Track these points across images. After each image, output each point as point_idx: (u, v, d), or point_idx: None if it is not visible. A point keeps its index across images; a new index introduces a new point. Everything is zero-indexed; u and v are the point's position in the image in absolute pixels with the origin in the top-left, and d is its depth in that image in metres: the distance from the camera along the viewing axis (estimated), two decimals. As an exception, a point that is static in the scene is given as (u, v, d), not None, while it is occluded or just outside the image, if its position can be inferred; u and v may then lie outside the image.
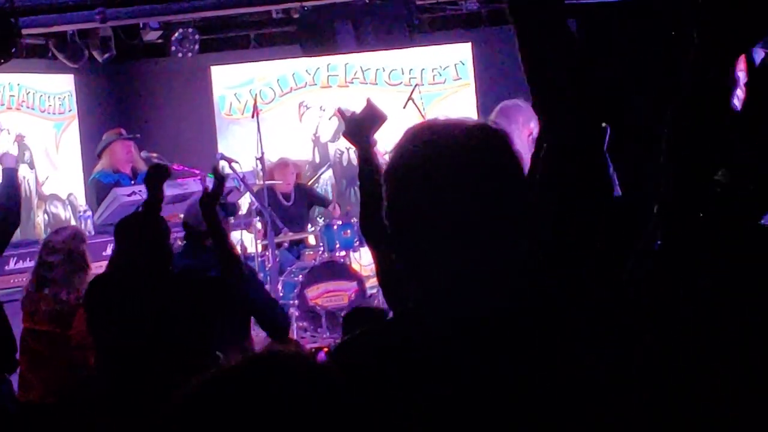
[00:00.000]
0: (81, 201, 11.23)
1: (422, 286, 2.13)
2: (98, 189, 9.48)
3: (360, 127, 4.03)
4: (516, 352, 2.03)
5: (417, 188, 2.11)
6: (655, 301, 2.07)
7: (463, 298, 2.09)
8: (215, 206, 5.46)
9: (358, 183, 3.72)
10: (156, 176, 5.48)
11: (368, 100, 4.09)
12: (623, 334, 2.03)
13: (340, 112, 4.35)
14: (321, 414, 1.65)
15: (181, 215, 6.40)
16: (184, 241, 6.28)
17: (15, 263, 8.12)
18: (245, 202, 10.24)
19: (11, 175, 6.48)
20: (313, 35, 10.98)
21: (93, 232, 9.07)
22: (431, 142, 2.14)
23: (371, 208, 3.28)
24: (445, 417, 2.02)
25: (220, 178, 5.60)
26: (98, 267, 7.47)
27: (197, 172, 9.12)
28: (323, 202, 10.99)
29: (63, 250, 6.21)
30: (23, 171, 11.00)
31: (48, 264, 6.23)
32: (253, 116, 10.03)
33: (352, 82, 12.24)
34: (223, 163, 8.87)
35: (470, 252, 2.09)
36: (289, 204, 10.47)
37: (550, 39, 2.24)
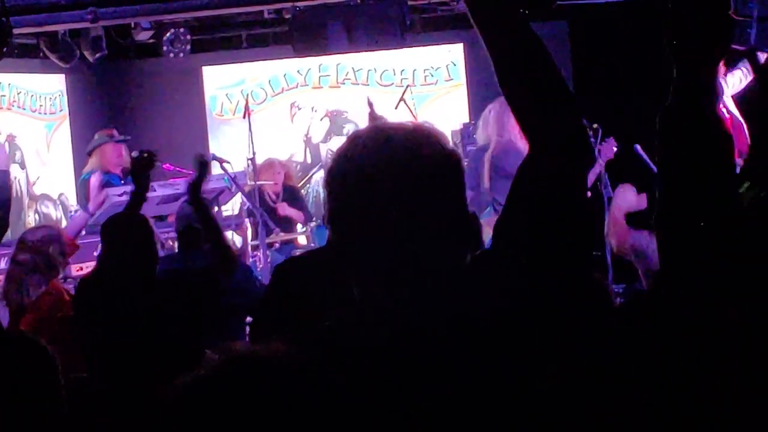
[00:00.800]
0: (72, 201, 11.22)
1: (377, 288, 2.13)
2: (88, 189, 9.47)
3: None
4: (516, 352, 2.03)
5: (360, 192, 2.12)
6: (655, 302, 2.06)
7: (433, 297, 2.09)
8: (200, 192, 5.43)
9: None
10: (141, 167, 5.48)
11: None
12: (623, 334, 2.03)
13: (370, 104, 4.37)
14: (312, 413, 1.64)
15: (172, 217, 6.37)
16: (179, 246, 6.24)
17: (6, 263, 8.09)
18: (236, 202, 10.23)
19: (3, 178, 6.44)
20: (305, 35, 10.96)
21: (84, 232, 9.05)
22: (372, 147, 2.16)
23: None
24: (444, 417, 2.01)
25: (202, 165, 5.54)
26: (88, 267, 7.45)
27: (189, 172, 9.10)
28: (304, 217, 10.74)
29: (32, 250, 6.17)
30: (14, 171, 10.97)
31: (15, 262, 6.22)
32: (244, 117, 10.02)
33: (344, 83, 12.23)
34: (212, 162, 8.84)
35: (412, 252, 2.10)
36: (277, 204, 10.44)
37: (512, 41, 2.26)
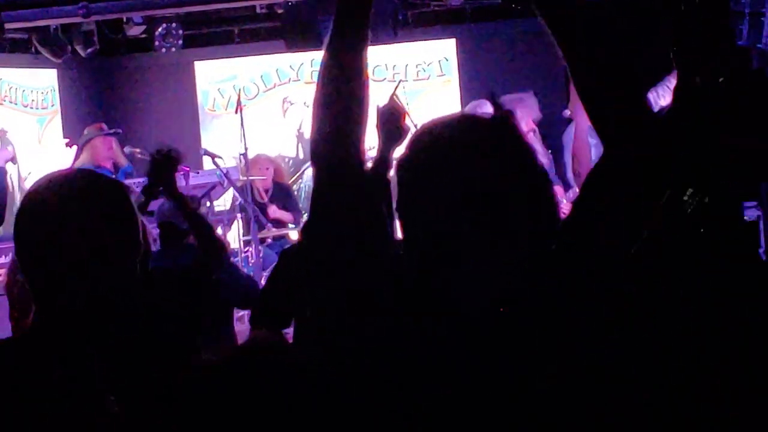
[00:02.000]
0: (64, 196, 11.17)
1: (427, 280, 2.11)
2: None
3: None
4: (516, 352, 2.02)
5: (430, 180, 2.10)
6: (656, 301, 2.06)
7: (468, 293, 2.07)
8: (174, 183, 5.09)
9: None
10: (161, 169, 5.05)
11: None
12: (623, 334, 2.02)
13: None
14: (310, 412, 1.63)
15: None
16: (161, 243, 6.14)
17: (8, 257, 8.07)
18: (229, 197, 10.22)
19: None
20: (298, 30, 10.95)
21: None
22: (445, 136, 2.14)
23: None
24: (445, 417, 2.01)
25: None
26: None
27: (182, 167, 9.05)
28: (294, 213, 10.67)
29: None
30: (6, 166, 10.93)
31: None
32: (236, 112, 10.00)
33: (336, 78, 12.17)
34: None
35: (487, 247, 2.07)
36: (265, 201, 10.42)
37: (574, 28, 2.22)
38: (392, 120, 4.25)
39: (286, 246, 9.09)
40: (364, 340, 2.11)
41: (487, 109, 8.99)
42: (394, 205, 2.17)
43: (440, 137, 2.14)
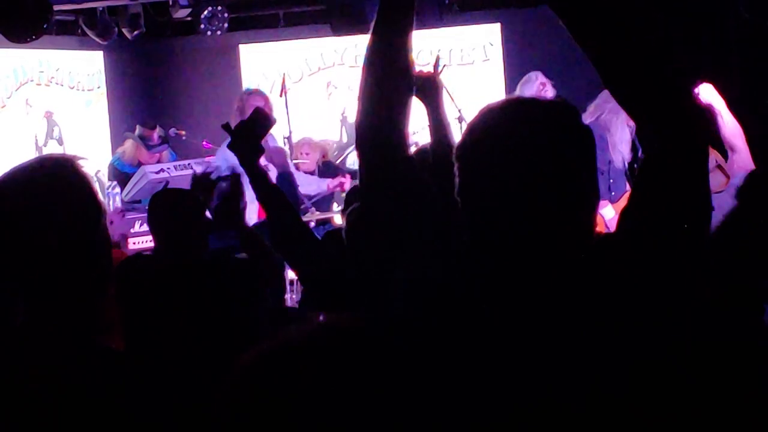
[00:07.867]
0: (109, 178, 11.27)
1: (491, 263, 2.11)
2: (115, 174, 9.51)
3: (249, 135, 4.16)
4: (526, 352, 2.02)
5: (490, 165, 2.10)
6: (660, 302, 2.03)
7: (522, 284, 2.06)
8: (236, 210, 5.11)
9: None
10: (202, 189, 5.19)
11: (256, 109, 4.21)
12: (626, 334, 1.99)
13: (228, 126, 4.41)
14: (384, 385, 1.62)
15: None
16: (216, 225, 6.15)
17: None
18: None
19: None
20: (343, 14, 10.94)
21: (121, 209, 9.08)
22: (505, 121, 2.13)
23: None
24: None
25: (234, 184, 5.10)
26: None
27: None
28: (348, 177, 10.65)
29: None
30: (52, 147, 11.03)
31: None
32: (281, 95, 10.01)
33: (380, 62, 12.15)
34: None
35: (539, 229, 2.06)
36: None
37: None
38: (426, 85, 4.41)
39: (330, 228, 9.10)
40: (430, 322, 2.11)
41: (538, 82, 8.83)
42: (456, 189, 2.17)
43: (496, 123, 2.14)
